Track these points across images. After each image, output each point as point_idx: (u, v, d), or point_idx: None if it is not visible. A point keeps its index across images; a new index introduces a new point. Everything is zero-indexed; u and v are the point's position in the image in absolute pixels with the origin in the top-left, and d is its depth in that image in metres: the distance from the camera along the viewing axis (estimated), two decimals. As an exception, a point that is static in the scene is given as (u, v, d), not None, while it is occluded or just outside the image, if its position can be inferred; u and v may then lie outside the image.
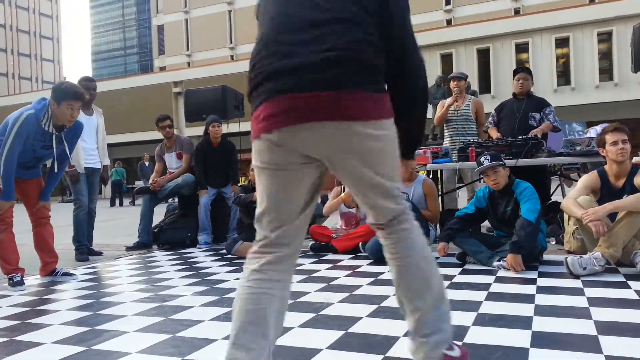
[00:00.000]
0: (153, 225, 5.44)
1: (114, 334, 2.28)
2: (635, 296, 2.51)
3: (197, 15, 38.53)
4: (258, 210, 1.52)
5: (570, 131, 7.99)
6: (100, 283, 3.52)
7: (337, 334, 2.12)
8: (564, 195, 6.00)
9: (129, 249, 5.16)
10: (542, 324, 2.13)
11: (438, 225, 4.73)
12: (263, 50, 1.41)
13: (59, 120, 3.51)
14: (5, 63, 65.36)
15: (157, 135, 5.78)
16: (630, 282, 2.80)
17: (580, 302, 2.45)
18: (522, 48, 23.62)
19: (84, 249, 4.72)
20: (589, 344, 1.87)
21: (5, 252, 3.45)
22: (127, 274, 3.82)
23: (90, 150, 4.90)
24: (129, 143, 28.37)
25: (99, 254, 4.88)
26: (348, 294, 2.84)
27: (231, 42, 37.67)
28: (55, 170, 3.68)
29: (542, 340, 1.92)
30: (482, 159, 3.57)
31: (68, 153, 3.67)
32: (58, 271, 3.72)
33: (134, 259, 4.64)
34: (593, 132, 7.83)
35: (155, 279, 3.54)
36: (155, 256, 4.71)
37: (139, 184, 15.16)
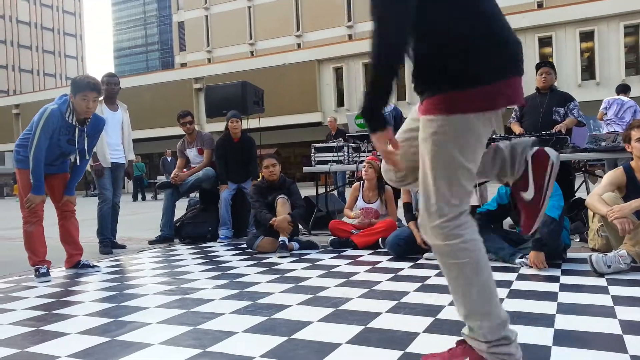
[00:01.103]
0: (175, 219, 5.50)
1: (136, 325, 2.32)
2: (662, 295, 2.46)
3: (217, 11, 38.74)
4: None
5: (595, 127, 7.84)
6: (124, 275, 3.59)
7: (356, 329, 2.12)
8: (588, 192, 5.89)
9: (151, 242, 5.24)
10: (565, 322, 2.10)
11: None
12: None
13: (78, 113, 3.58)
14: (30, 60, 66.69)
15: (178, 131, 5.85)
16: (656, 281, 2.74)
17: (604, 300, 2.41)
18: (545, 42, 23.20)
19: (108, 242, 4.81)
20: (614, 343, 1.84)
21: (33, 244, 3.54)
22: (149, 267, 3.88)
23: (115, 146, 4.98)
24: (151, 139, 28.72)
25: (123, 247, 4.97)
26: (367, 290, 2.84)
27: (251, 38, 37.81)
28: (78, 164, 3.75)
29: (564, 338, 1.89)
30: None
31: (86, 148, 3.72)
32: (83, 263, 3.79)
33: (157, 252, 4.70)
34: (605, 103, 7.68)
35: (176, 272, 3.59)
36: (177, 250, 4.77)
37: (161, 179, 15.35)
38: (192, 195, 6.20)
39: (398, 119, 6.08)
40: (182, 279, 3.36)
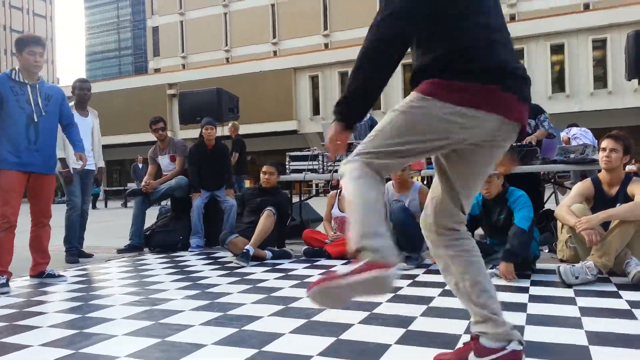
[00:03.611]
0: (145, 227, 5.40)
1: (102, 337, 2.25)
2: (626, 306, 2.51)
3: (192, 17, 38.49)
4: None
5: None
6: (90, 285, 3.49)
7: (328, 341, 2.11)
8: (557, 203, 6.02)
9: (120, 251, 5.12)
10: (534, 333, 2.12)
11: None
12: None
13: (26, 69, 3.54)
14: (-2, 62, 65.06)
15: (151, 137, 5.77)
16: (621, 292, 2.80)
17: (572, 311, 2.44)
18: (517, 54, 23.78)
19: (75, 251, 4.69)
20: (580, 354, 1.86)
21: (0, 252, 3.41)
22: (117, 277, 3.78)
23: (84, 152, 4.85)
24: (122, 145, 28.25)
25: (90, 256, 4.84)
26: (340, 300, 2.82)
27: (226, 45, 37.65)
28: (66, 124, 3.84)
29: (533, 350, 1.91)
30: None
31: (62, 113, 3.76)
32: (48, 273, 3.67)
33: (125, 261, 4.60)
34: (564, 132, 7.93)
35: (145, 282, 3.51)
36: (146, 259, 4.67)
37: (132, 185, 15.08)
38: (163, 203, 6.09)
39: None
40: (151, 289, 3.29)
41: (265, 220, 4.33)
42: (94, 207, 17.51)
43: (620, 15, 21.72)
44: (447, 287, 3.03)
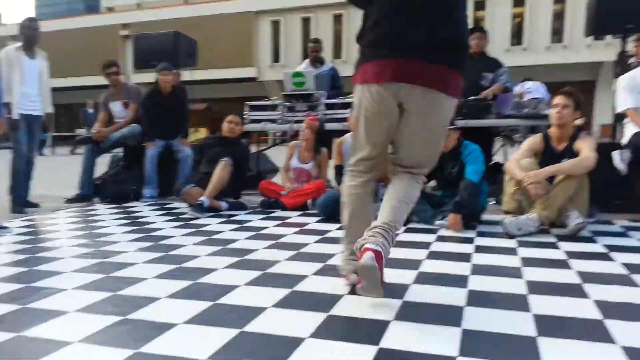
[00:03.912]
0: (95, 176, 5.24)
1: (50, 291, 2.21)
2: (564, 256, 2.66)
3: (147, -48, 36.16)
4: None
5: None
6: (37, 237, 3.39)
7: (282, 292, 2.14)
8: (506, 157, 6.19)
9: (68, 201, 4.96)
10: (477, 282, 2.23)
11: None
12: None
13: None
14: None
15: (102, 80, 5.50)
16: (560, 243, 2.96)
17: (513, 262, 2.57)
18: (479, 5, 23.71)
19: (20, 200, 4.51)
20: (519, 302, 1.97)
21: None
22: (66, 228, 3.69)
23: (32, 97, 4.61)
24: (70, 88, 26.89)
25: (36, 205, 4.68)
26: (295, 252, 2.86)
27: (184, -16, 35.79)
28: None
29: (477, 299, 2.01)
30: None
31: None
32: None
33: (74, 212, 4.48)
34: (519, 87, 8.09)
35: (96, 234, 3.44)
36: (96, 210, 4.56)
37: (81, 132, 14.49)
38: (115, 151, 5.90)
39: (336, 78, 6.04)
40: (102, 241, 3.23)
41: (221, 171, 4.28)
42: (41, 153, 16.81)
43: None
44: (398, 239, 3.12)
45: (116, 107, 5.51)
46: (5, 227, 3.57)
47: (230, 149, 4.62)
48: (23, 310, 1.99)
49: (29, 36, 4.63)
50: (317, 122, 4.66)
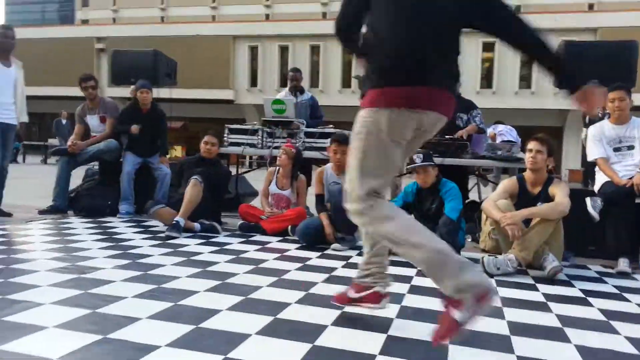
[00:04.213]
0: (70, 189, 5.11)
1: (27, 305, 2.14)
2: (542, 299, 2.73)
3: (128, -32, 36.20)
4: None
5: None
6: (11, 248, 3.28)
7: (266, 319, 2.13)
8: (479, 195, 6.37)
9: (41, 212, 4.82)
10: (461, 319, 2.26)
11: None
12: None
13: None
14: None
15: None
16: (538, 285, 3.04)
17: (495, 301, 2.62)
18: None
19: (-8, 209, 4.37)
20: (503, 343, 2.01)
21: None
22: (40, 240, 3.58)
23: (6, 105, 4.52)
24: (42, 97, 26.30)
25: (9, 215, 4.53)
26: (277, 278, 2.85)
27: (162, 3, 35.84)
28: None
29: (459, 337, 2.03)
30: (414, 157, 3.69)
31: None
32: None
33: (48, 223, 4.35)
34: (491, 129, 8.42)
35: (71, 248, 3.35)
36: (71, 222, 4.44)
37: (53, 142, 14.12)
38: (90, 164, 5.78)
39: (316, 108, 6.13)
40: (78, 255, 3.14)
41: (192, 190, 4.24)
42: (14, 161, 16.29)
43: (545, 21, 22.94)
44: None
45: (93, 120, 5.43)
46: None
47: (210, 169, 4.60)
48: (1, 323, 1.92)
49: (4, 44, 4.56)
50: (294, 149, 4.71)
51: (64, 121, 15.05)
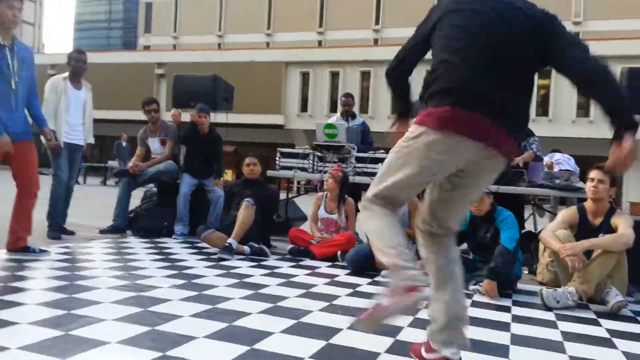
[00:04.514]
0: (129, 209, 5.33)
1: (90, 320, 2.24)
2: (606, 334, 2.60)
3: (188, -4, 37.95)
4: None
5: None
6: (74, 265, 3.44)
7: (319, 344, 2.13)
8: (535, 225, 6.16)
9: (102, 231, 5.03)
10: (520, 354, 2.19)
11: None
12: None
13: (2, 24, 3.36)
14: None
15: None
16: (601, 320, 2.90)
17: (554, 335, 2.52)
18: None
19: (57, 227, 4.60)
20: (565, 379, 1.93)
21: None
22: (101, 258, 3.74)
23: (75, 126, 4.78)
24: (104, 120, 27.70)
25: (72, 233, 4.76)
26: (328, 303, 2.85)
27: (220, 30, 37.25)
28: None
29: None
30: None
31: (26, 77, 3.53)
32: (32, 248, 3.56)
33: (108, 242, 4.54)
34: (548, 157, 8.14)
35: (130, 267, 3.48)
36: (129, 242, 4.62)
37: (113, 164, 14.78)
38: (148, 186, 6.01)
39: (367, 133, 6.15)
40: (137, 274, 3.26)
41: (244, 212, 4.32)
42: (77, 181, 17.07)
43: (607, 48, 22.21)
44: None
45: (154, 143, 5.66)
46: (44, 252, 3.62)
47: (257, 191, 4.68)
48: (67, 337, 2.01)
49: (77, 68, 4.83)
50: (341, 172, 4.74)
51: (124, 144, 15.69)
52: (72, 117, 4.75)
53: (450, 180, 1.85)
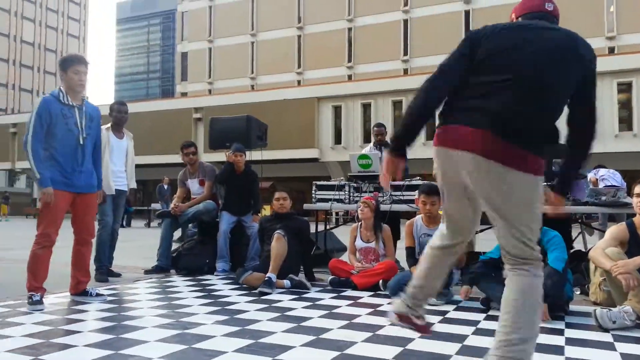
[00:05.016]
0: (172, 249, 5.44)
1: (138, 359, 2.27)
2: (669, 355, 2.45)
3: (221, 44, 39.44)
4: None
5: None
6: (121, 305, 3.52)
7: (363, 375, 2.09)
8: (585, 244, 5.92)
9: (147, 272, 5.15)
10: (576, 378, 2.08)
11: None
12: None
13: (71, 88, 3.61)
14: (31, 80, 67.00)
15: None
16: (662, 340, 2.73)
17: (613, 357, 2.39)
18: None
19: (104, 270, 4.75)
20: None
21: (37, 268, 3.44)
22: (146, 298, 3.81)
23: (118, 173, 4.99)
24: (146, 165, 28.70)
25: (118, 275, 4.89)
26: (371, 334, 2.80)
27: (252, 72, 38.40)
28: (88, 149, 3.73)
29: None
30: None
31: (93, 133, 3.74)
32: (90, 292, 3.71)
33: (153, 282, 4.64)
34: (591, 173, 7.86)
35: (175, 305, 3.53)
36: (173, 281, 4.70)
37: (156, 206, 15.20)
38: (189, 225, 6.15)
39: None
40: (181, 312, 3.31)
41: (277, 244, 4.34)
42: (128, 225, 17.58)
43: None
44: (479, 326, 3.00)
45: (193, 184, 5.81)
46: (101, 295, 3.74)
47: (288, 224, 4.70)
48: (115, 376, 2.05)
49: (118, 118, 5.08)
50: (374, 200, 4.72)
51: (165, 186, 16.16)
52: (115, 165, 4.96)
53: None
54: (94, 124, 3.78)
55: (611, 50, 28.15)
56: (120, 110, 5.11)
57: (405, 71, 33.03)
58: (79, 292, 3.71)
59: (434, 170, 2.09)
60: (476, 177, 1.88)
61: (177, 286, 4.40)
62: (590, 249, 3.67)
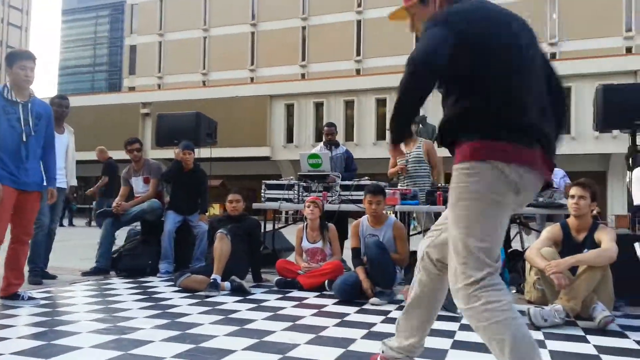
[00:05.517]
0: (112, 250, 5.25)
1: (69, 367, 2.17)
2: (594, 351, 2.58)
3: (171, 38, 38.45)
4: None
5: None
6: (55, 310, 3.36)
7: (303, 378, 2.08)
8: (522, 244, 6.16)
9: (85, 274, 4.94)
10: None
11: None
12: None
13: (17, 84, 3.51)
14: (-34, 69, 63.19)
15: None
16: (589, 336, 2.87)
17: (542, 354, 2.48)
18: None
19: (38, 272, 4.51)
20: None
21: None
22: (82, 302, 3.66)
23: (57, 170, 4.73)
24: (90, 161, 27.62)
25: (53, 277, 4.66)
26: (314, 335, 2.80)
27: (204, 68, 37.69)
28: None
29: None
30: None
31: (43, 132, 3.63)
32: (22, 295, 3.53)
33: (90, 285, 4.45)
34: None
35: (112, 309, 3.40)
36: (112, 283, 4.53)
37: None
38: (132, 224, 5.94)
39: (350, 161, 6.18)
40: (119, 316, 3.19)
41: (219, 244, 4.27)
42: (70, 224, 16.96)
43: (583, 66, 22.74)
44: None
45: (137, 182, 5.63)
46: (34, 299, 3.57)
47: (239, 225, 4.65)
48: (41, 386, 1.95)
49: (59, 113, 4.84)
50: (320, 200, 4.74)
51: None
52: None
53: None
54: (43, 122, 3.65)
55: (552, 56, 29.44)
56: (60, 104, 4.88)
57: (358, 71, 33.33)
58: (10, 295, 3.53)
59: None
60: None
61: (116, 289, 4.24)
62: (527, 249, 3.81)
